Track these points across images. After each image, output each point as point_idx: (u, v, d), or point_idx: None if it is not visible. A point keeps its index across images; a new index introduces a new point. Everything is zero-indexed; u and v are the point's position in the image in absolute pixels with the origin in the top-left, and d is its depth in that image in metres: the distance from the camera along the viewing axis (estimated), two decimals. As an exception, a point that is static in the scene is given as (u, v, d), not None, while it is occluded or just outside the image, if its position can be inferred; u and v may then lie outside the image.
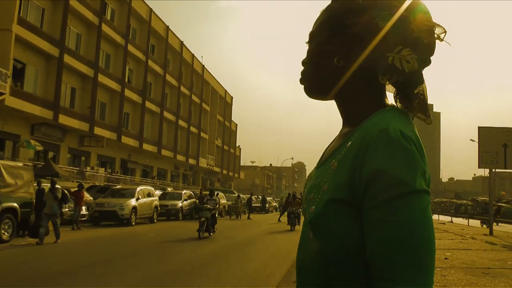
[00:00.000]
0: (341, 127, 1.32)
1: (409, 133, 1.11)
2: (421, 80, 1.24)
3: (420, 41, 1.19)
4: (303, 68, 1.34)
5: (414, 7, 1.21)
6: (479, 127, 20.72)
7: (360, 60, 1.23)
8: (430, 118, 1.25)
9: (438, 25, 1.23)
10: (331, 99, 1.32)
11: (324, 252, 1.15)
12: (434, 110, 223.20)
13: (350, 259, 1.11)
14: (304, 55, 1.35)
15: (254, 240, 18.83)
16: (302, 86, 1.34)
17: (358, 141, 1.13)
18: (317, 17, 1.35)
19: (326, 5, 1.34)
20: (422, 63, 1.21)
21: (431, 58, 1.24)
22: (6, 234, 15.33)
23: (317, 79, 1.31)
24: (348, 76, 1.25)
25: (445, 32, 1.24)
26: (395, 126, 1.10)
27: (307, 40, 1.37)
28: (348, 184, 1.10)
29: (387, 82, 1.25)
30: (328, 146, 1.36)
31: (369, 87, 1.25)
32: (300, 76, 1.34)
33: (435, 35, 1.22)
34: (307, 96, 1.35)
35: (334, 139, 1.35)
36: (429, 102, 1.31)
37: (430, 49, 1.22)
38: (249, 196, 42.21)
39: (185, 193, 32.89)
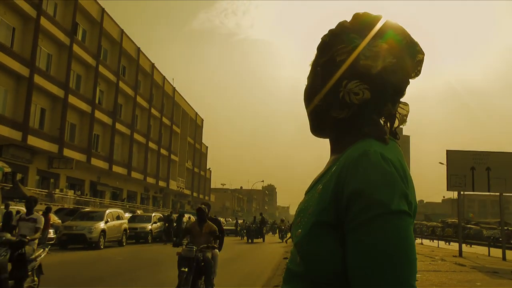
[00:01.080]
0: (330, 156, 1.34)
1: (391, 156, 1.12)
2: (380, 105, 1.25)
3: (367, 68, 1.20)
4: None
5: (367, 35, 1.24)
6: (447, 151, 21.05)
7: (319, 98, 1.29)
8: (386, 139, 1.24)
9: (392, 47, 1.22)
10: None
11: (310, 276, 1.14)
12: (403, 134, 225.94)
13: (336, 282, 1.10)
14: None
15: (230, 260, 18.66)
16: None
17: (341, 165, 1.15)
18: None
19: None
20: (380, 89, 1.22)
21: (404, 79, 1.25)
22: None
23: (309, 118, 1.36)
24: (312, 110, 1.32)
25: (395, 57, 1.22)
26: (376, 149, 1.12)
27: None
28: (332, 207, 1.11)
29: (343, 116, 1.25)
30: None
31: (350, 119, 1.26)
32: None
33: (385, 59, 1.20)
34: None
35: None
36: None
37: (383, 74, 1.21)
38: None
39: (154, 215, 32.54)
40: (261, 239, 36.51)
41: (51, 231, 21.74)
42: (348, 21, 1.31)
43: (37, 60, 33.87)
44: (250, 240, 34.59)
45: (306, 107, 1.36)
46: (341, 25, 1.31)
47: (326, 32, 1.35)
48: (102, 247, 23.60)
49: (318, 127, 1.36)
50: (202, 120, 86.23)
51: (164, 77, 63.51)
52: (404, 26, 1.27)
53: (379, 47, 1.21)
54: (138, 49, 54.21)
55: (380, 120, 1.28)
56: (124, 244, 26.64)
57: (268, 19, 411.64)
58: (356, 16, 1.31)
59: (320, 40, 1.34)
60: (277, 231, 43.45)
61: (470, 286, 11.13)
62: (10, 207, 18.60)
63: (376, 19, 1.27)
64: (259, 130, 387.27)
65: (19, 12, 32.30)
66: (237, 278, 13.70)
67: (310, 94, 1.33)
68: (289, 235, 39.47)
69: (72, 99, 38.48)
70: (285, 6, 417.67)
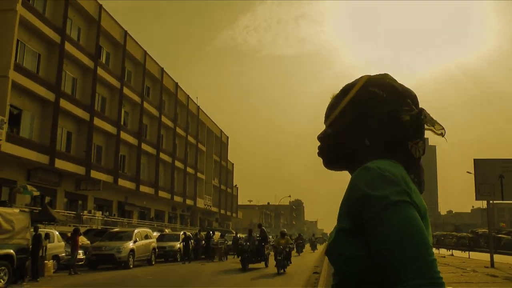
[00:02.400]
0: None
1: (390, 168, 1.29)
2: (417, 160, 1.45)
3: (423, 135, 1.44)
4: (321, 143, 1.55)
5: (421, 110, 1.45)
6: (474, 159, 20.70)
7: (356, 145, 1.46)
8: (421, 188, 1.44)
9: (437, 123, 1.47)
10: (346, 170, 1.53)
11: (342, 280, 1.32)
12: (429, 144, 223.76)
13: (364, 282, 1.26)
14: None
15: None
16: (322, 158, 1.55)
17: (348, 183, 1.33)
18: (332, 101, 1.57)
19: (341, 91, 1.55)
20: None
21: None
22: (2, 281, 15.15)
23: (340, 156, 1.51)
24: (374, 154, 1.42)
25: (443, 129, 1.47)
26: (374, 163, 1.31)
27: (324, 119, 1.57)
28: (348, 216, 1.30)
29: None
30: None
31: (380, 158, 1.39)
32: (318, 151, 1.55)
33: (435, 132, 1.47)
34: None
35: None
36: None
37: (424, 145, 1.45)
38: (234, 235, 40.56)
39: (182, 234, 32.62)
40: (263, 263, 24.53)
41: (80, 252, 22.00)
42: (377, 79, 1.50)
43: (62, 85, 34.44)
44: (244, 266, 22.96)
45: (335, 152, 1.52)
46: (391, 86, 1.47)
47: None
48: (131, 266, 23.74)
49: (335, 165, 1.55)
50: (227, 137, 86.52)
51: (188, 96, 64.03)
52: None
53: (429, 115, 1.44)
54: (162, 70, 54.78)
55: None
56: (153, 263, 26.78)
57: (289, 34, 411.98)
58: (386, 83, 1.48)
59: (360, 91, 1.48)
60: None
61: (503, 297, 10.90)
62: (39, 230, 18.84)
63: (403, 86, 1.49)
64: (285, 145, 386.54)
65: (44, 38, 32.94)
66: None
67: (344, 141, 1.49)
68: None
69: (97, 122, 39.02)
70: (305, 21, 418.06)
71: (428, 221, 1.29)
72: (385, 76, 1.50)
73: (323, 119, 1.57)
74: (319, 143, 1.54)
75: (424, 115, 1.43)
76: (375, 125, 1.43)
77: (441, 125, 1.47)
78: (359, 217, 1.25)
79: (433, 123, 1.46)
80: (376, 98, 1.44)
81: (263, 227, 26.01)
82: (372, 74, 1.52)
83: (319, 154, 1.55)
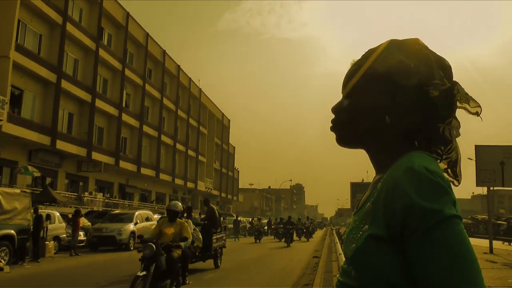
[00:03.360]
0: (374, 176, 1.35)
1: (435, 168, 1.14)
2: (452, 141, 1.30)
3: (454, 113, 1.29)
4: (335, 116, 1.35)
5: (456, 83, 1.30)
6: (476, 146, 20.71)
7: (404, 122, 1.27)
8: (458, 179, 1.31)
9: (472, 99, 1.31)
10: (362, 148, 1.36)
11: None
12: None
13: None
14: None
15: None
16: (335, 134, 1.36)
17: (386, 182, 1.17)
18: (351, 68, 1.37)
19: (363, 57, 1.35)
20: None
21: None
22: (3, 261, 15.25)
23: (358, 132, 1.33)
24: (395, 134, 1.28)
25: (479, 106, 1.32)
26: (420, 163, 1.14)
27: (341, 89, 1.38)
28: (384, 223, 1.14)
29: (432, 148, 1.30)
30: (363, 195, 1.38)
31: (406, 144, 1.28)
32: (332, 125, 1.36)
33: (470, 109, 1.31)
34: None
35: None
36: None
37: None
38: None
39: (183, 216, 32.70)
40: (211, 261, 16.20)
41: (81, 233, 22.09)
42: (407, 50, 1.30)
43: (64, 66, 34.35)
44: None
45: (351, 128, 1.33)
46: (423, 54, 1.30)
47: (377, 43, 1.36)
48: (132, 248, 23.82)
49: (349, 143, 1.36)
50: (229, 120, 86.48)
51: (190, 79, 63.84)
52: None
53: (463, 90, 1.29)
54: (164, 52, 54.59)
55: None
56: (154, 245, 26.83)
57: (293, 17, 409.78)
58: (416, 51, 1.30)
59: (385, 58, 1.30)
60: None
61: (502, 283, 10.94)
62: (40, 210, 18.91)
63: (435, 55, 1.32)
64: (287, 129, 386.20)
65: (46, 19, 32.79)
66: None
67: (370, 113, 1.30)
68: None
69: (99, 103, 38.97)
70: (308, 5, 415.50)
71: None
72: (416, 41, 1.32)
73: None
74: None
75: (458, 90, 1.28)
76: (400, 100, 1.26)
77: (476, 102, 1.31)
78: (399, 225, 1.10)
79: (467, 99, 1.30)
80: (402, 68, 1.27)
81: (212, 205, 16.98)
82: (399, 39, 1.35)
83: (333, 129, 1.36)
